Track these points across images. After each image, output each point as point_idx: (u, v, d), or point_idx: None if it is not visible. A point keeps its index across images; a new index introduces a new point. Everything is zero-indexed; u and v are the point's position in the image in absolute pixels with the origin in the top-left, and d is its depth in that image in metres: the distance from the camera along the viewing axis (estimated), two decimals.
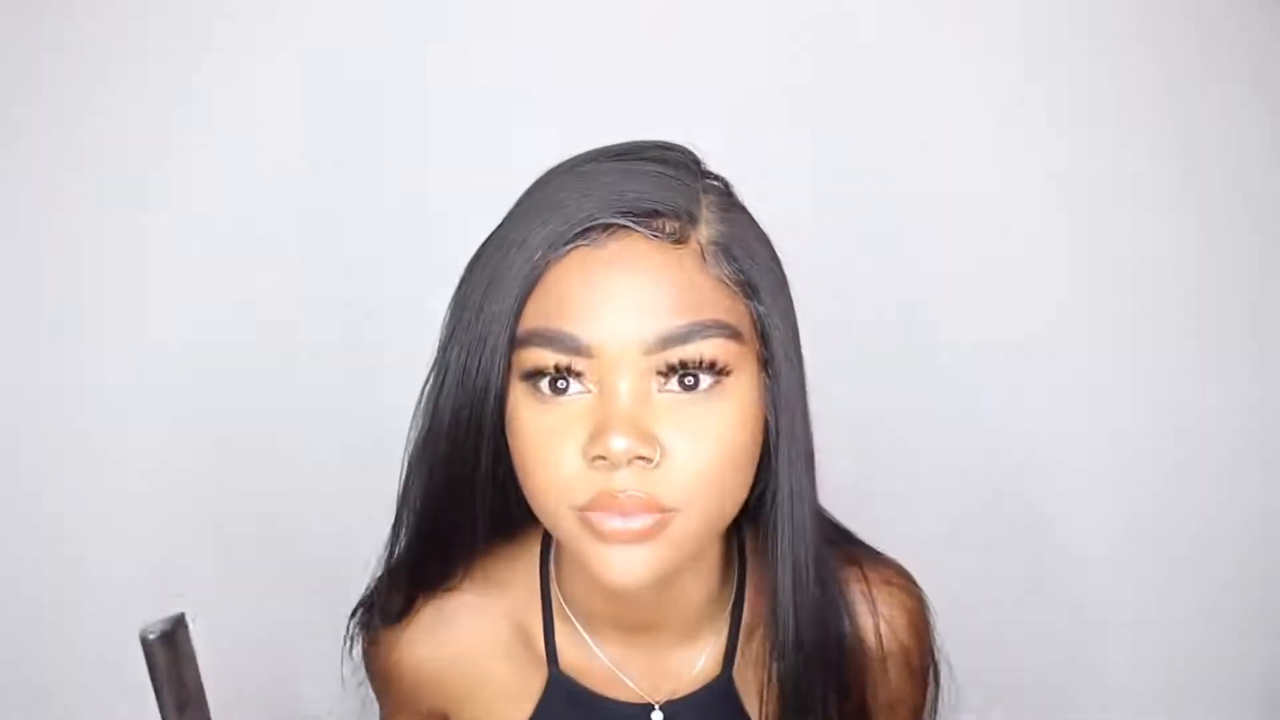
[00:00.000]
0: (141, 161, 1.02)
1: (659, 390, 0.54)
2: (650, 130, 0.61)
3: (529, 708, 0.66)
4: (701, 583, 0.65)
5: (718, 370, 0.54)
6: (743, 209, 0.61)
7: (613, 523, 0.54)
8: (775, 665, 0.61)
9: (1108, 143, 1.07)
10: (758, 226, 0.61)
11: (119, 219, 1.03)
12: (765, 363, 0.57)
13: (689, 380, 0.54)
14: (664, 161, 0.58)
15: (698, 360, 0.53)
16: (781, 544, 0.59)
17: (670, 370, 0.54)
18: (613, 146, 0.59)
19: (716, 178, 0.61)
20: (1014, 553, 1.11)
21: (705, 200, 0.58)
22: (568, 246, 0.54)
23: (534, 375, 0.55)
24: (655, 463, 0.53)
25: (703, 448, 0.54)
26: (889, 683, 0.67)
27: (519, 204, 0.59)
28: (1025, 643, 1.11)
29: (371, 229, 1.04)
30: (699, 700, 0.66)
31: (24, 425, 1.04)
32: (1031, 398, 1.09)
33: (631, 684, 0.66)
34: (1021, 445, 1.10)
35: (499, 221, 0.59)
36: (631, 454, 0.52)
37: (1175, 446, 1.09)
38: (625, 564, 0.54)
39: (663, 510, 0.54)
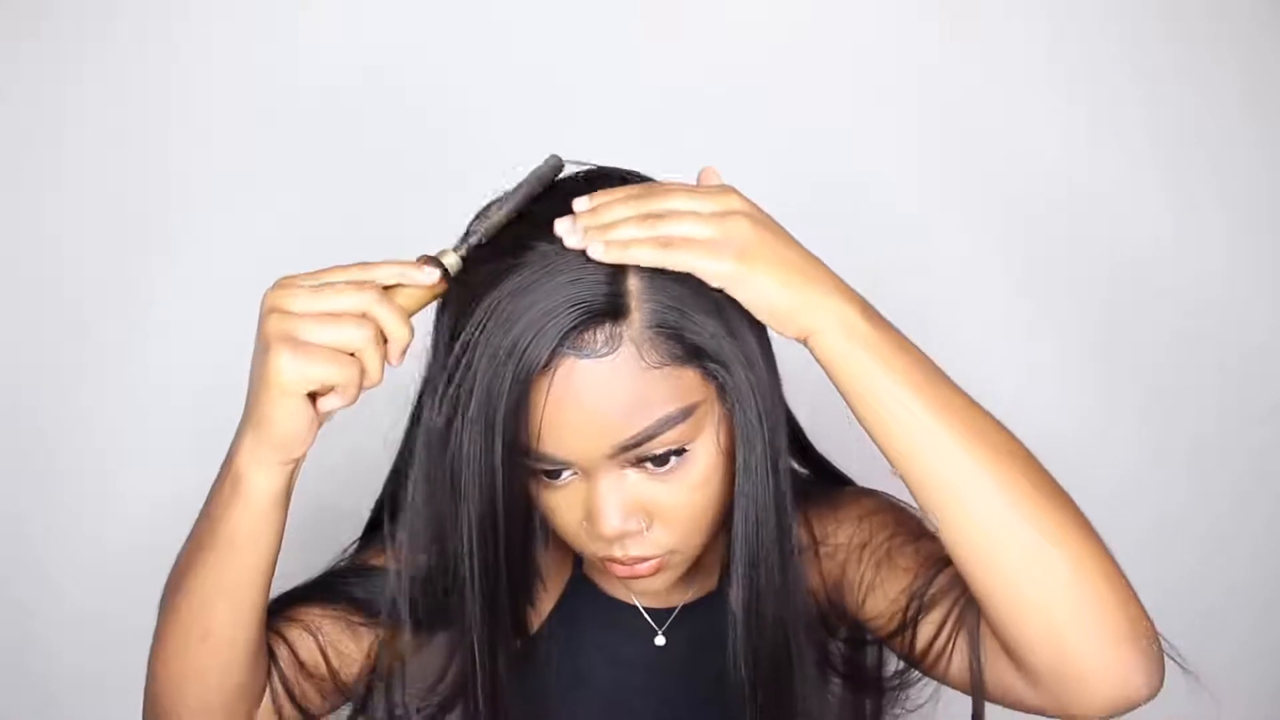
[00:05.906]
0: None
1: (634, 470, 0.61)
2: None
3: (556, 594, 0.75)
4: None
5: (679, 450, 0.60)
6: None
7: (622, 572, 0.64)
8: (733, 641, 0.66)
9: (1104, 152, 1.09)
10: None
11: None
12: (723, 393, 0.61)
13: (655, 465, 0.60)
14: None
15: (657, 453, 0.60)
16: (735, 545, 0.64)
17: (637, 462, 0.60)
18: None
19: None
20: None
21: (633, 271, 0.58)
22: (525, 379, 0.57)
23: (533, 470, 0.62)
24: (645, 529, 0.62)
25: (682, 504, 0.62)
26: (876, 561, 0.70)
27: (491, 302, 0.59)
28: None
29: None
30: (695, 610, 0.74)
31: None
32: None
33: (640, 602, 0.74)
34: None
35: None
36: (620, 534, 0.61)
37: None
38: (643, 587, 0.67)
39: (661, 556, 0.63)
